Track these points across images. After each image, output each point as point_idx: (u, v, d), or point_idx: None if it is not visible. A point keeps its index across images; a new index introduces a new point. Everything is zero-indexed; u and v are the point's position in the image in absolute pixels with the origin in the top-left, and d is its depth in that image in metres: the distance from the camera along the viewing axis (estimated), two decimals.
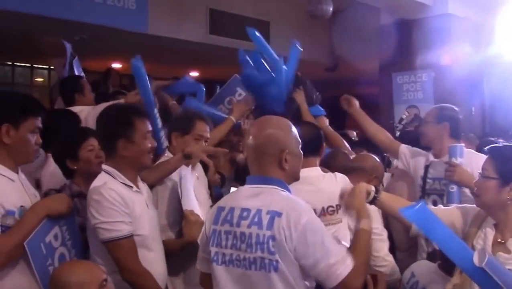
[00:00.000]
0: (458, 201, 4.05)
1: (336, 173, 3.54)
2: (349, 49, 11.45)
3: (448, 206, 3.70)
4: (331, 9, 9.34)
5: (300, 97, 5.24)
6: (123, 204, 3.09)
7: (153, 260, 3.29)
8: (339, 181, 3.47)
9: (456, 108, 4.62)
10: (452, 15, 9.99)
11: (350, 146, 5.19)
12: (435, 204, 4.10)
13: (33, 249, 2.84)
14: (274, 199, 2.60)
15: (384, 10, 10.87)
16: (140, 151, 3.25)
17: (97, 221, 3.05)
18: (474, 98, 9.55)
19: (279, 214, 2.52)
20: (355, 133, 7.17)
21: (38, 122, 3.03)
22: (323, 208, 3.36)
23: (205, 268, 2.82)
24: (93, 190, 3.11)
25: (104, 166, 3.25)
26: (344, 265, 2.51)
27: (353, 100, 5.05)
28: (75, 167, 3.64)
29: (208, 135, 4.01)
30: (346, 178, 3.52)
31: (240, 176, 3.95)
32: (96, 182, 3.16)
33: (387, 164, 5.65)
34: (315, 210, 3.19)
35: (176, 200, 3.70)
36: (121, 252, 3.07)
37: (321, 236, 2.52)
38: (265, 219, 2.54)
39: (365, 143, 5.46)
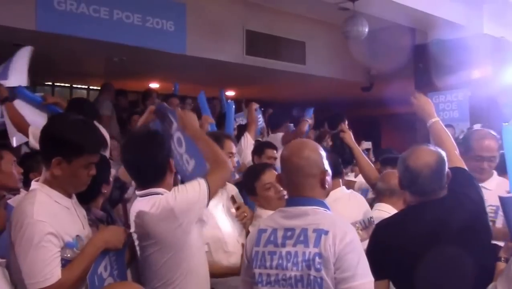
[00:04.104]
0: None
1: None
2: (384, 69, 11.50)
3: None
4: (366, 30, 9.37)
5: (349, 138, 5.05)
6: None
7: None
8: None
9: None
10: (487, 35, 9.98)
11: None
12: None
13: (91, 282, 2.85)
14: (320, 218, 2.67)
15: (419, 30, 10.90)
16: None
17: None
18: (510, 117, 9.51)
19: (326, 232, 2.59)
20: (370, 143, 7.29)
21: (94, 158, 2.97)
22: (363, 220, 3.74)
23: None
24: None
25: (147, 191, 3.30)
26: None
27: None
28: (105, 191, 3.59)
29: (235, 150, 4.26)
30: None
31: None
32: (161, 203, 3.20)
33: None
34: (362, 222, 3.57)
35: None
36: None
37: (358, 257, 2.58)
38: (312, 237, 2.61)
39: (388, 160, 5.46)
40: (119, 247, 3.07)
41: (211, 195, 3.25)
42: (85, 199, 3.26)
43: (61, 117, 3.30)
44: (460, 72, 9.63)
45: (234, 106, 6.14)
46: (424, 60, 10.61)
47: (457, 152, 3.64)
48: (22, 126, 5.13)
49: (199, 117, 6.22)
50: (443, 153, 3.18)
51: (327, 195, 2.84)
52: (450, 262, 3.00)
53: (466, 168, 3.51)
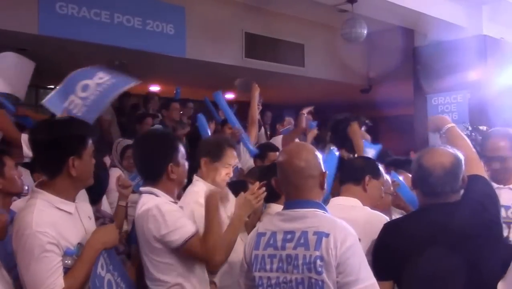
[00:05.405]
0: None
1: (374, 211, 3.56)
2: (383, 71, 11.53)
3: None
4: (365, 32, 9.39)
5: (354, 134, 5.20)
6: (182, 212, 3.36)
7: None
8: (376, 216, 3.49)
9: None
10: (486, 36, 10.00)
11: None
12: None
13: (93, 285, 2.85)
14: (319, 221, 2.68)
15: (418, 32, 10.92)
16: (184, 172, 3.49)
17: (165, 232, 3.22)
18: (510, 119, 9.54)
19: (327, 235, 2.60)
20: None
21: (93, 144, 3.00)
22: None
23: None
24: (150, 209, 3.26)
25: (145, 188, 3.40)
26: None
27: None
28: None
29: (236, 161, 4.21)
30: (384, 217, 3.51)
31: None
32: (147, 204, 3.30)
33: None
34: None
35: None
36: (197, 247, 3.23)
37: (359, 260, 2.60)
38: (312, 240, 2.61)
39: (401, 162, 5.39)
40: (116, 244, 3.11)
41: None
42: (95, 198, 3.34)
43: (45, 123, 3.27)
44: (460, 73, 9.63)
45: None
46: (423, 62, 10.63)
47: (476, 157, 3.46)
48: (13, 134, 4.74)
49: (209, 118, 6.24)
50: (461, 156, 3.06)
51: (323, 196, 2.86)
52: (450, 268, 2.94)
53: (485, 175, 3.36)
